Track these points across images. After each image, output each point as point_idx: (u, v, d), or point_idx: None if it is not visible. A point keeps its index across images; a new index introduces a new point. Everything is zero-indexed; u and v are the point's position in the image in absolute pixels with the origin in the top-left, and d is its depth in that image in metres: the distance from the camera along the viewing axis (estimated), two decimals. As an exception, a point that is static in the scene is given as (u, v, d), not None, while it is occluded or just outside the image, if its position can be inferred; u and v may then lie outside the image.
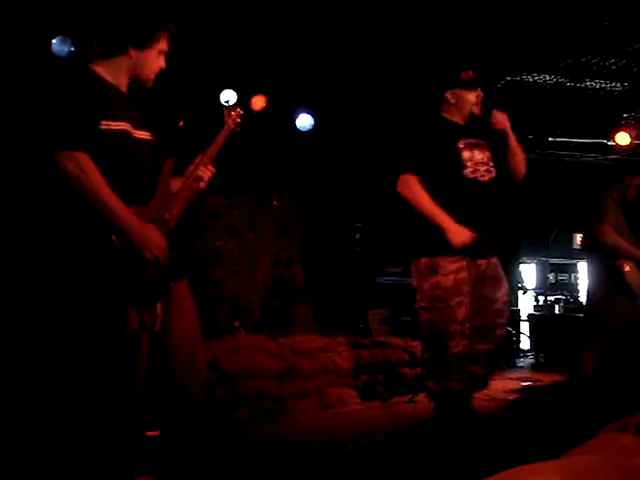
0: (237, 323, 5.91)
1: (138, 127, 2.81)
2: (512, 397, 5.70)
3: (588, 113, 7.51)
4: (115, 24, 2.85)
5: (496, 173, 4.17)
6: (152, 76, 2.89)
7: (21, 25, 5.23)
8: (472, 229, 3.88)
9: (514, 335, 8.74)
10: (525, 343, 9.03)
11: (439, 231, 3.88)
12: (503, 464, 2.13)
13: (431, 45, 6.06)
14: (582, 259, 7.92)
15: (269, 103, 6.66)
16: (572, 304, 8.89)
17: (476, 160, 4.08)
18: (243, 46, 5.94)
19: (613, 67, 6.63)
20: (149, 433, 2.91)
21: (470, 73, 4.14)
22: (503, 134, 4.12)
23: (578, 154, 8.68)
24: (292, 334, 5.74)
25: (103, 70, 2.79)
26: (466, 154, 4.06)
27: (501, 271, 4.19)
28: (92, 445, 2.65)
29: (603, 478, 1.98)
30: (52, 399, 3.63)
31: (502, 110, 4.19)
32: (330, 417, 5.13)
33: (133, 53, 2.79)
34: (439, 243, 3.89)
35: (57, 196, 2.68)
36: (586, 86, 7.06)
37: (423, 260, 4.01)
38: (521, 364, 8.46)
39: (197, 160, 2.96)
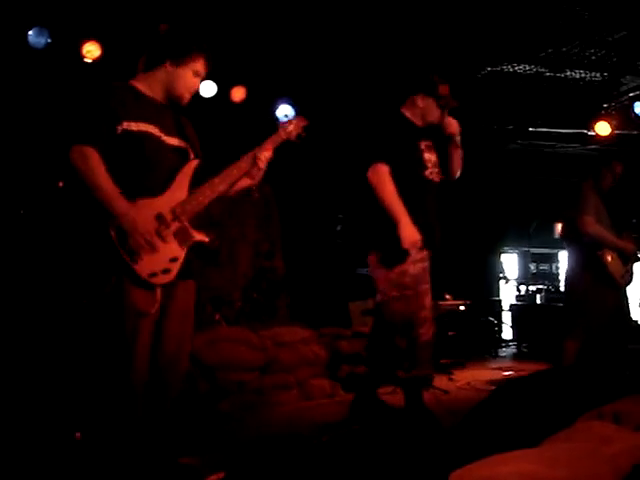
0: (218, 315, 5.89)
1: (169, 133, 2.97)
2: (493, 387, 5.71)
3: (568, 103, 7.54)
4: (158, 40, 3.05)
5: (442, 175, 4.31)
6: (186, 94, 3.05)
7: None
8: (424, 226, 4.02)
9: (496, 325, 8.79)
10: (507, 333, 9.07)
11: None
12: (483, 452, 2.14)
13: (412, 36, 6.06)
14: (563, 248, 7.96)
15: (249, 94, 6.64)
16: (553, 294, 8.94)
17: (433, 162, 4.23)
18: (222, 36, 5.90)
19: (593, 57, 6.67)
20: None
21: (446, 90, 4.21)
22: (449, 138, 4.24)
23: (558, 144, 8.72)
24: (274, 326, 5.73)
25: (140, 84, 3.00)
26: (426, 155, 4.20)
27: None
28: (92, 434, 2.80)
29: (581, 465, 1.99)
30: (51, 384, 3.74)
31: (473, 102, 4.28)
32: (312, 409, 5.13)
33: (169, 68, 2.98)
34: None
35: (70, 185, 3.01)
36: (566, 76, 7.09)
37: (388, 249, 4.08)
38: (503, 354, 8.50)
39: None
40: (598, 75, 7.09)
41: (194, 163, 3.00)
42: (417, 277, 4.05)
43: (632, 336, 5.55)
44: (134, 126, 2.85)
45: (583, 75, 7.08)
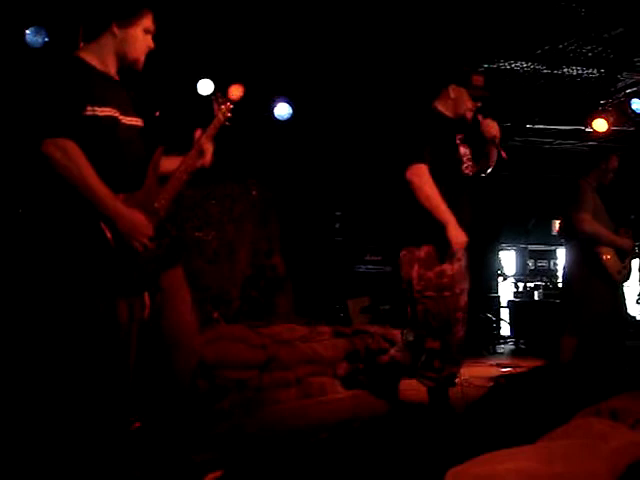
0: (216, 314, 5.89)
1: (127, 113, 2.76)
2: (492, 384, 5.72)
3: (565, 100, 7.55)
4: (98, 2, 2.78)
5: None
6: (141, 56, 2.81)
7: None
8: (461, 223, 3.96)
9: (494, 322, 8.79)
10: (505, 329, 9.07)
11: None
12: (480, 449, 2.15)
13: (409, 33, 6.06)
14: (561, 245, 7.96)
15: (247, 92, 6.63)
16: (551, 290, 8.94)
17: (468, 156, 4.14)
18: (220, 34, 5.90)
19: (590, 54, 6.67)
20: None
21: (480, 80, 4.13)
22: (491, 141, 4.10)
23: (556, 141, 8.72)
24: (273, 324, 5.73)
25: (89, 56, 2.73)
26: (462, 150, 4.11)
27: None
28: (85, 439, 2.65)
29: (578, 462, 2.00)
30: (44, 394, 3.64)
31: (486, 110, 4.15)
32: (311, 406, 5.13)
33: (117, 31, 2.71)
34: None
35: (44, 185, 2.66)
36: (563, 73, 7.10)
37: (426, 248, 4.00)
38: (501, 350, 8.49)
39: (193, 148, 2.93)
40: (595, 72, 7.09)
41: (160, 150, 2.84)
42: (455, 277, 4.02)
43: (630, 332, 5.57)
44: (99, 111, 2.62)
45: (580, 72, 7.08)
